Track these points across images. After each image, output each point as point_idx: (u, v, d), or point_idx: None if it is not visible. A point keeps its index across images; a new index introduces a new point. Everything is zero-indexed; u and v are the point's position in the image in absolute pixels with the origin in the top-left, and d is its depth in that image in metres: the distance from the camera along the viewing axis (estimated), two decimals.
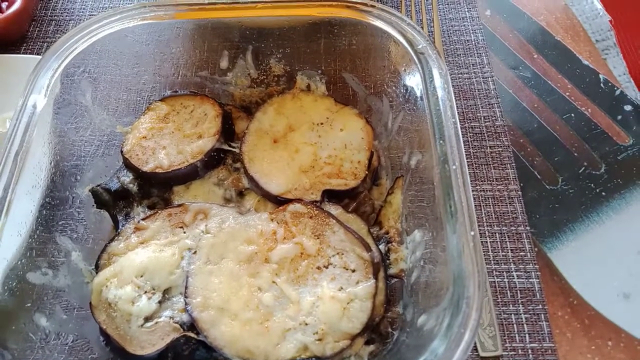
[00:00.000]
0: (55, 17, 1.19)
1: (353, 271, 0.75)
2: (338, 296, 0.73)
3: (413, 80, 0.77)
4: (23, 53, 1.11)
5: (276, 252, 0.76)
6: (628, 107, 0.99)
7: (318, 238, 0.77)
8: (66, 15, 1.19)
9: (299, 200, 0.80)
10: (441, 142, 0.67)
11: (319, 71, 0.90)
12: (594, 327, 0.80)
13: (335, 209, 0.81)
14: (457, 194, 0.63)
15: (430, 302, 0.65)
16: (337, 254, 0.76)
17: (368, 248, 0.76)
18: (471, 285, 0.57)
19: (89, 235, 0.81)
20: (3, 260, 0.64)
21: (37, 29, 1.16)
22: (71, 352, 0.70)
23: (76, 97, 0.82)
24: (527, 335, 0.79)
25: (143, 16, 0.83)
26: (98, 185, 0.83)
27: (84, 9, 1.20)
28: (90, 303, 0.74)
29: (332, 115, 0.89)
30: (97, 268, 0.78)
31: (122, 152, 0.86)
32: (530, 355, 0.77)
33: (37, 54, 1.10)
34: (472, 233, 0.60)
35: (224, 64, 0.90)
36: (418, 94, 0.75)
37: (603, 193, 0.91)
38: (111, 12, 0.83)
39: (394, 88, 0.83)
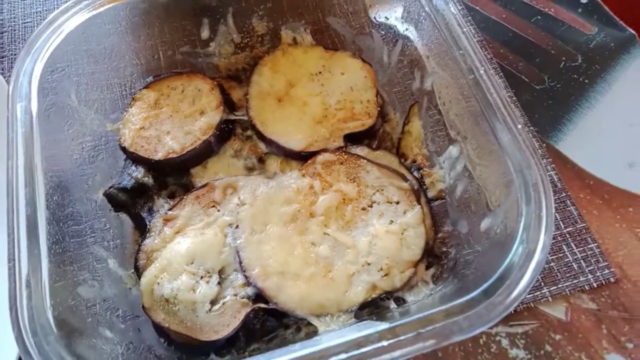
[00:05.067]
0: None
1: (397, 203, 0.76)
2: (392, 229, 0.73)
3: (408, 4, 0.77)
4: None
5: (319, 205, 0.75)
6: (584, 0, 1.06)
7: (354, 181, 0.77)
8: None
9: (324, 150, 0.79)
10: (460, 52, 0.68)
11: (302, 22, 0.88)
12: (614, 199, 0.86)
13: (361, 150, 0.80)
14: (491, 95, 0.65)
15: (489, 206, 0.67)
16: (377, 191, 0.76)
17: (404, 178, 0.77)
18: (533, 173, 0.60)
19: (115, 241, 0.76)
20: (52, 280, 0.58)
21: None
22: (143, 358, 0.66)
23: (62, 99, 0.75)
24: (561, 222, 0.84)
25: None
26: (110, 187, 0.77)
27: (14, 17, 1.08)
28: (143, 306, 0.70)
29: (327, 62, 0.87)
30: (138, 270, 0.73)
31: (123, 148, 0.80)
32: (569, 239, 0.83)
33: None
34: (519, 126, 0.63)
35: (204, 33, 0.86)
36: (417, 16, 0.76)
37: (586, 81, 0.97)
38: (74, 1, 0.75)
39: (385, 19, 0.83)
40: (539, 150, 0.89)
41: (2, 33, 1.07)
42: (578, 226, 0.84)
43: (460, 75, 0.68)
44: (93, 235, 0.71)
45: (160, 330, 0.71)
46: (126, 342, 0.65)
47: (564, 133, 0.92)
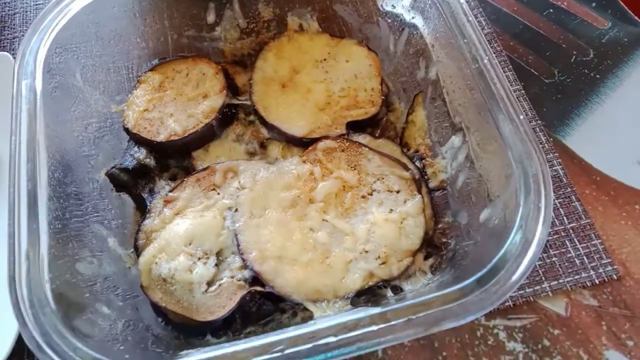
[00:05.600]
0: None
1: (398, 192, 0.75)
2: (391, 218, 0.73)
3: None
4: None
5: (319, 191, 0.75)
6: None
7: (355, 169, 0.77)
8: (9, 10, 1.09)
9: (326, 137, 0.79)
10: (465, 41, 0.68)
11: (309, 8, 0.88)
12: (620, 196, 0.85)
13: (363, 138, 0.80)
14: (495, 85, 0.64)
15: (489, 197, 0.66)
16: (378, 179, 0.76)
17: (406, 167, 0.77)
18: (534, 164, 0.59)
19: (116, 220, 0.76)
20: (52, 255, 0.59)
21: None
22: (139, 336, 0.67)
23: (67, 79, 0.75)
24: (565, 218, 0.83)
25: None
26: (113, 167, 0.78)
27: None
28: (142, 285, 0.71)
29: (332, 49, 0.87)
30: (137, 249, 0.74)
31: (127, 129, 0.81)
32: (572, 234, 0.82)
33: None
34: (521, 117, 0.62)
35: (210, 18, 0.86)
36: (424, 5, 0.75)
37: (597, 76, 0.95)
38: None
39: (392, 7, 0.82)
40: (546, 145, 0.89)
41: (14, 14, 1.08)
42: (582, 222, 0.83)
43: (464, 64, 0.67)
44: (95, 214, 0.72)
45: (157, 309, 0.72)
46: (124, 320, 0.66)
47: (572, 128, 0.91)
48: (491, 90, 0.64)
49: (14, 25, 1.07)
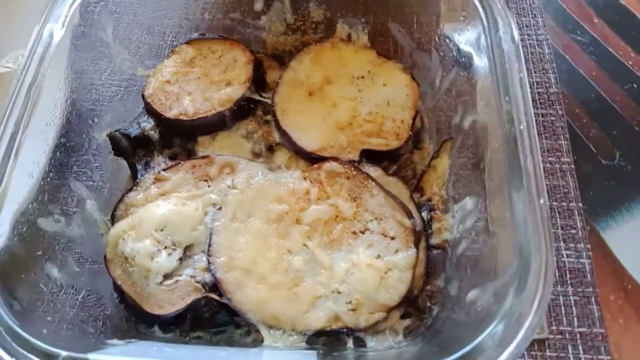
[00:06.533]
0: None
1: (392, 238, 0.68)
2: (375, 264, 0.66)
3: (474, 31, 0.68)
4: None
5: (309, 213, 0.69)
6: None
7: (355, 201, 0.70)
8: None
9: (335, 159, 0.73)
10: (507, 98, 0.59)
11: (362, 20, 0.82)
12: None
13: (374, 171, 0.74)
14: (524, 157, 0.56)
15: (484, 277, 0.58)
16: (376, 219, 0.69)
17: (410, 215, 0.70)
18: (539, 259, 0.51)
19: (105, 184, 0.75)
20: (13, 202, 0.58)
21: None
22: (82, 307, 0.64)
23: (96, 32, 0.74)
24: (575, 319, 0.72)
25: None
26: (117, 130, 0.76)
27: None
28: (105, 256, 0.69)
29: (374, 68, 0.81)
30: (113, 219, 0.72)
31: (143, 96, 0.79)
32: (579, 340, 0.71)
33: None
34: (542, 201, 0.53)
35: (258, 5, 0.82)
36: (478, 46, 0.67)
37: None
38: None
39: (447, 41, 0.75)
40: (580, 232, 0.78)
41: None
42: (595, 330, 0.72)
43: (499, 123, 0.59)
44: (79, 171, 0.70)
45: (116, 285, 0.70)
46: (72, 286, 0.64)
47: (617, 222, 0.80)
48: (518, 161, 0.56)
49: None
